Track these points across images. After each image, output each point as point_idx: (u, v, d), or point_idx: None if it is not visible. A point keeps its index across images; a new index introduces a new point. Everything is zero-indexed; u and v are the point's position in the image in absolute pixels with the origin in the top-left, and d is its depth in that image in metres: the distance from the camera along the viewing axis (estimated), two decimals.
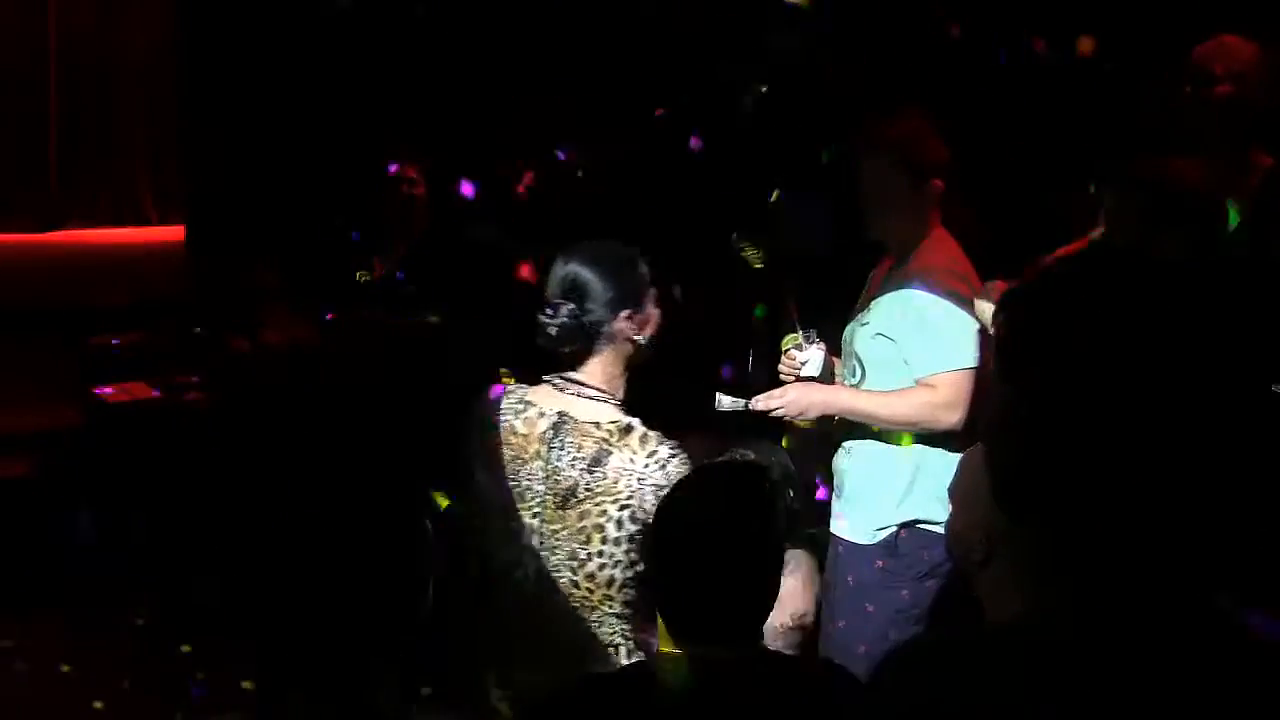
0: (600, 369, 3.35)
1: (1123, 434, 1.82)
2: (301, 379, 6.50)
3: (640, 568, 3.23)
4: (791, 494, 4.60)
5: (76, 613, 6.45)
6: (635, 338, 3.36)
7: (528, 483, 3.30)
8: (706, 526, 2.51)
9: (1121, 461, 1.80)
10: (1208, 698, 1.74)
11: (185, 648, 6.02)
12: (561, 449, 3.27)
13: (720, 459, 4.20)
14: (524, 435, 3.32)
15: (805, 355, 4.44)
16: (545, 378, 3.39)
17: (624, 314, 3.33)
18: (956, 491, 2.34)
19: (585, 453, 3.24)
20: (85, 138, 13.40)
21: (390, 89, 7.83)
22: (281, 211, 8.04)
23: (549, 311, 3.29)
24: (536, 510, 3.29)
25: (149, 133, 13.50)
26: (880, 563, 4.30)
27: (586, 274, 3.31)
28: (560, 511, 3.26)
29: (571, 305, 3.29)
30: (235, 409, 6.89)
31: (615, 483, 3.22)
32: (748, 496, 2.58)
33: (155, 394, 7.43)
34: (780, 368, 4.50)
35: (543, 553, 3.29)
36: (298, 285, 6.97)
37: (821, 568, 4.55)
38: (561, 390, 3.34)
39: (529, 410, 3.34)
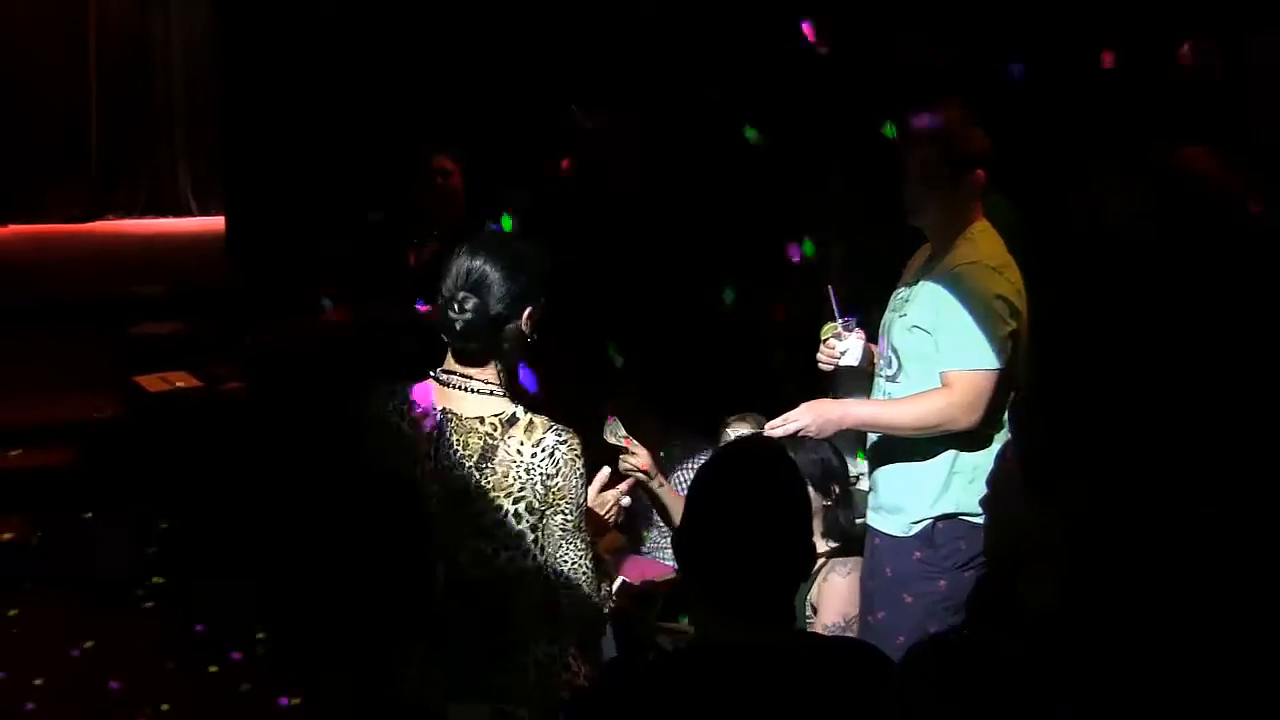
0: (487, 363, 3.27)
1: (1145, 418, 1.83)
2: (333, 368, 6.53)
3: (544, 557, 3.22)
4: (837, 490, 4.63)
5: (113, 599, 6.51)
6: (529, 333, 3.29)
7: (423, 481, 3.22)
8: (737, 499, 2.51)
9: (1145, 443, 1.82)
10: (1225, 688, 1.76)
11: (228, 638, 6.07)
12: (449, 447, 3.20)
13: (746, 439, 4.23)
14: (411, 436, 3.23)
15: (845, 344, 4.43)
16: (430, 374, 3.29)
17: (527, 311, 3.25)
18: (994, 483, 2.33)
19: (472, 449, 3.19)
20: (125, 129, 13.49)
21: (428, 81, 7.85)
22: (319, 203, 8.08)
23: (454, 307, 3.20)
24: (435, 509, 3.22)
25: (188, 124, 13.58)
26: (918, 554, 4.30)
27: (489, 269, 3.21)
28: (457, 512, 3.20)
29: (476, 300, 3.20)
30: (273, 397, 6.93)
31: (505, 476, 3.18)
32: (777, 471, 2.57)
33: (196, 383, 7.48)
34: (819, 356, 4.50)
35: (450, 548, 3.22)
36: (336, 275, 7.00)
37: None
38: (445, 385, 3.26)
39: (415, 409, 3.25)
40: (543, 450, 3.17)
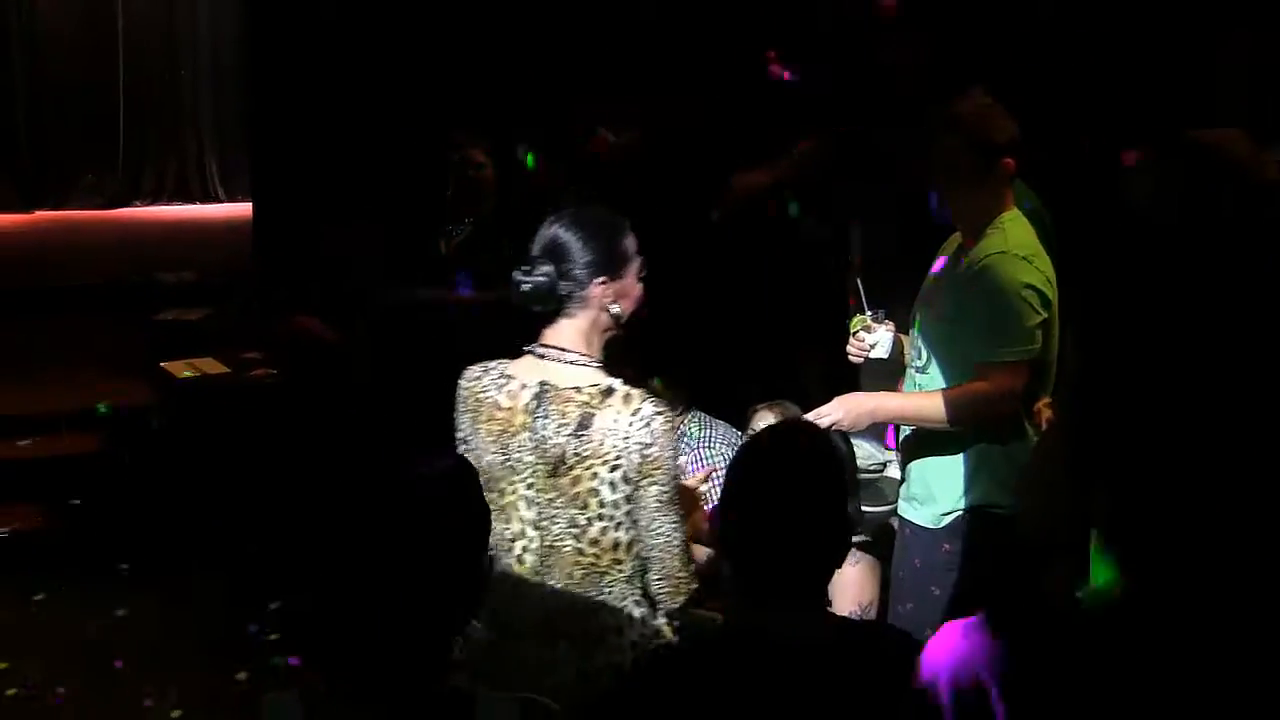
0: (577, 333, 3.34)
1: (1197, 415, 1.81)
2: (365, 356, 6.52)
3: (637, 530, 3.26)
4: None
5: (149, 583, 6.52)
6: (610, 306, 3.35)
7: (518, 455, 3.29)
8: (779, 479, 2.52)
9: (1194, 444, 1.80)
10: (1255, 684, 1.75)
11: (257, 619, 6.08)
12: (546, 418, 3.27)
13: (787, 422, 4.20)
14: (509, 409, 3.31)
15: (874, 337, 4.41)
16: (525, 349, 3.38)
17: (599, 280, 3.32)
18: (1028, 476, 2.33)
19: (570, 419, 3.25)
20: (153, 116, 13.52)
21: (459, 69, 7.83)
22: (347, 189, 8.07)
23: (524, 268, 3.31)
24: (530, 481, 3.29)
25: (215, 110, 13.61)
26: (947, 546, 4.28)
27: (567, 236, 3.31)
28: (552, 480, 3.26)
29: (549, 265, 3.30)
30: (301, 383, 6.93)
31: (601, 444, 3.23)
32: (818, 454, 2.59)
33: (223, 369, 7.48)
34: (849, 349, 4.47)
35: (543, 523, 3.29)
36: (366, 261, 6.99)
37: (888, 551, 4.56)
38: (541, 358, 3.34)
39: (510, 383, 3.33)
40: (640, 420, 3.23)
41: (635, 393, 3.27)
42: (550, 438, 3.25)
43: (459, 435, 3.41)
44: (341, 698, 2.38)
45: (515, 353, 3.40)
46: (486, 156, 6.29)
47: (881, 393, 4.38)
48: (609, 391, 3.27)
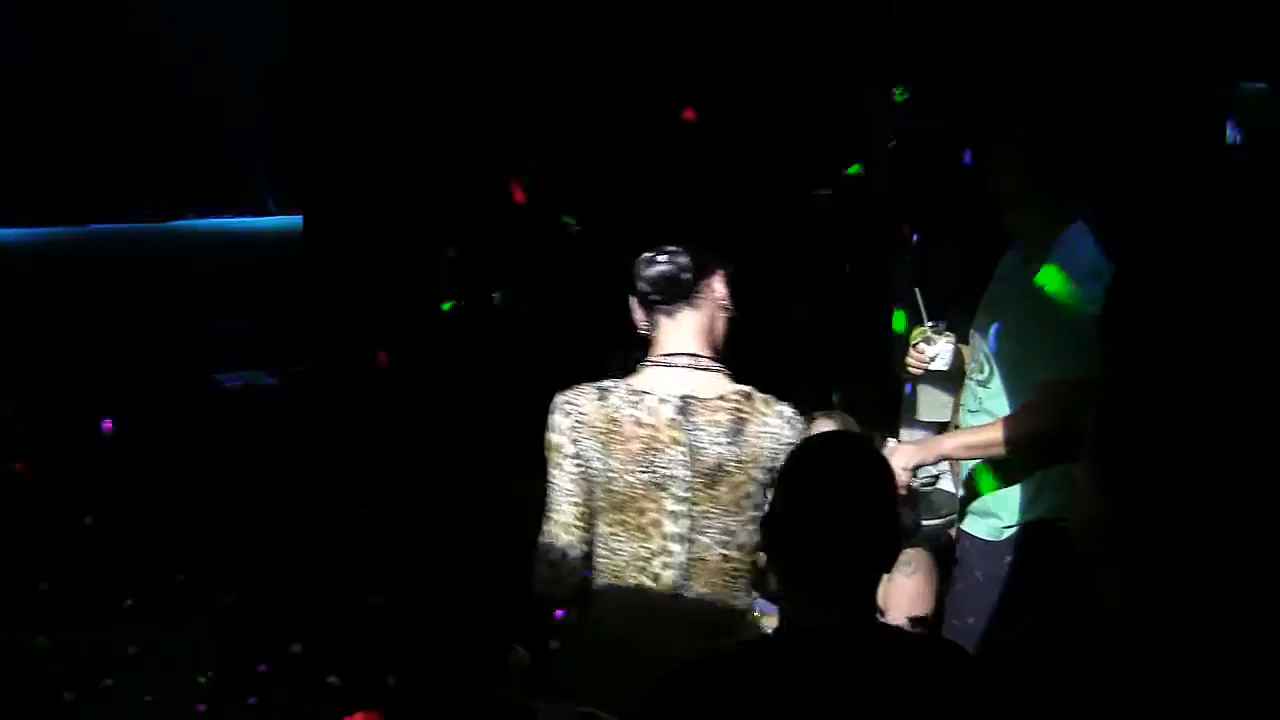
0: (700, 332, 3.33)
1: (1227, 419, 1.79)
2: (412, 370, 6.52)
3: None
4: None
5: (200, 594, 6.52)
6: (725, 305, 3.35)
7: (667, 471, 3.23)
8: (828, 481, 2.53)
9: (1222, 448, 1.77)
10: None
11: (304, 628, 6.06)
12: (699, 429, 3.24)
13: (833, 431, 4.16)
14: (651, 425, 3.25)
15: (935, 349, 4.34)
16: (647, 360, 3.33)
17: (720, 273, 3.34)
18: (1079, 487, 2.33)
19: (723, 426, 3.24)
20: (203, 129, 13.58)
21: (505, 82, 7.82)
22: (398, 201, 8.07)
23: (648, 255, 3.29)
24: (683, 495, 3.24)
25: (267, 123, 13.65)
26: (1009, 559, 4.22)
27: (683, 226, 3.41)
28: (710, 490, 3.24)
29: (675, 251, 3.29)
30: (350, 395, 6.93)
31: (758, 448, 3.25)
32: (866, 457, 2.59)
33: (272, 380, 7.49)
34: (909, 360, 4.41)
35: (692, 536, 3.25)
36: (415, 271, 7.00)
37: (948, 564, 4.50)
38: (669, 367, 3.31)
39: (645, 399, 3.27)
40: (784, 420, 3.28)
41: (769, 396, 3.31)
42: (706, 448, 3.24)
43: (570, 459, 3.29)
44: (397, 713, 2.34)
45: (605, 371, 3.37)
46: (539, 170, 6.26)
47: (936, 437, 4.28)
48: (749, 396, 3.29)
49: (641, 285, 3.30)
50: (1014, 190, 4.15)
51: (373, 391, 6.73)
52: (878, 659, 2.44)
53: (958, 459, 4.33)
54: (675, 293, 3.31)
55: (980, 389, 4.25)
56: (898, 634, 2.66)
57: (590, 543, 3.30)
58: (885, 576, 4.34)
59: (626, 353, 3.51)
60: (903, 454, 4.08)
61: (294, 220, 11.13)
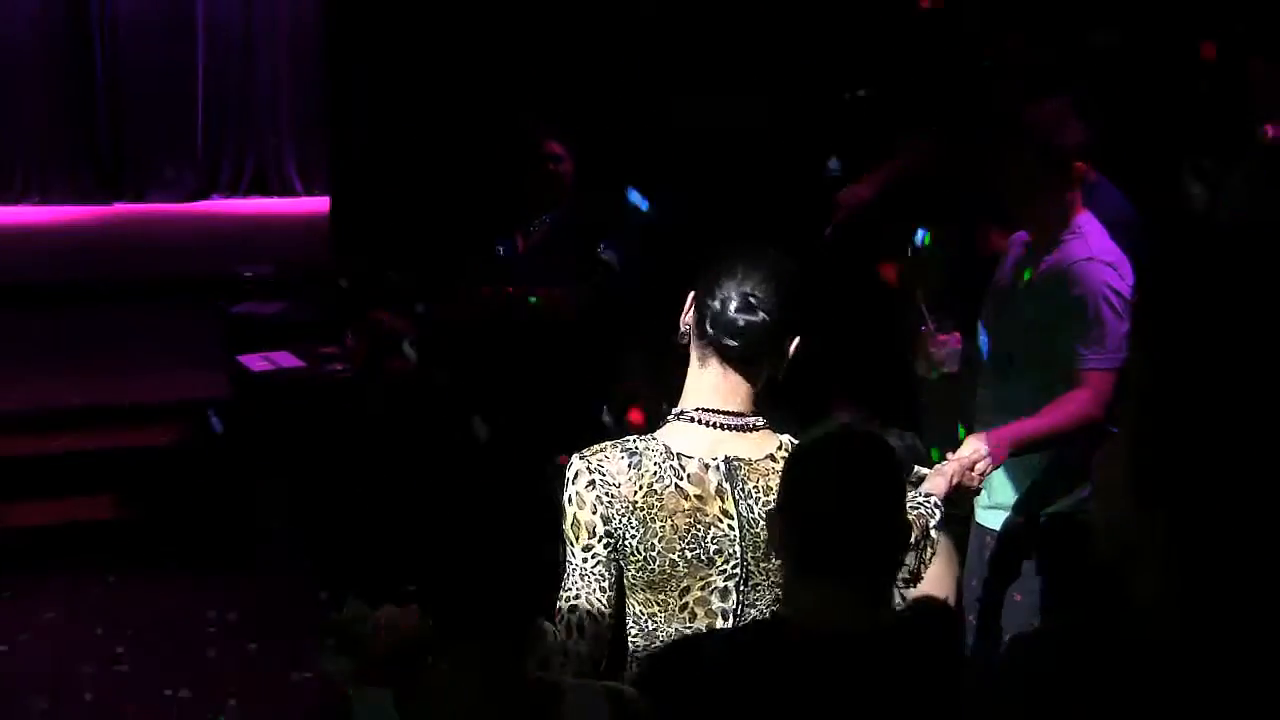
0: (750, 393, 2.94)
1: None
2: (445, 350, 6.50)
3: None
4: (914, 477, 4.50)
5: (216, 580, 6.53)
6: (785, 367, 2.98)
7: (717, 546, 2.86)
8: (834, 475, 2.52)
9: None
10: None
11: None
12: (748, 495, 2.88)
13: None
14: (698, 496, 2.86)
15: (943, 352, 4.34)
16: (678, 414, 2.94)
17: (795, 341, 2.95)
18: (1097, 483, 2.32)
19: (775, 490, 2.79)
20: (231, 109, 13.58)
21: (537, 63, 7.79)
22: (425, 183, 8.05)
23: (739, 304, 2.86)
24: (733, 571, 2.88)
25: (294, 103, 13.64)
26: (1028, 553, 4.21)
27: (780, 276, 2.90)
28: (766, 564, 2.89)
29: (764, 309, 2.86)
30: (379, 380, 6.91)
31: None
32: (873, 452, 2.57)
33: (299, 364, 7.47)
34: (919, 364, 4.41)
35: (742, 610, 2.91)
36: (441, 258, 6.97)
37: (962, 558, 4.47)
38: (713, 426, 2.91)
39: (689, 465, 2.88)
40: None
41: None
42: (760, 519, 2.86)
43: (600, 541, 2.86)
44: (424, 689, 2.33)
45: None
46: (565, 149, 6.22)
47: (1002, 429, 4.16)
48: None
49: (715, 329, 2.89)
50: (1020, 187, 4.14)
51: (400, 378, 6.70)
52: (873, 653, 2.45)
53: (1022, 450, 4.23)
54: (755, 350, 2.90)
55: (998, 385, 4.21)
56: (901, 628, 2.63)
57: (615, 632, 2.90)
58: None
59: (645, 356, 3.36)
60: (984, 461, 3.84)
61: (321, 202, 11.17)
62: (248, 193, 13.66)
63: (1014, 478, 4.24)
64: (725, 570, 2.88)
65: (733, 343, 2.87)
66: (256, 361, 7.39)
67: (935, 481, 3.47)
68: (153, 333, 8.91)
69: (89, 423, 7.56)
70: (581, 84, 7.58)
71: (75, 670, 5.73)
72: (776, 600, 2.89)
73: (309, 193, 13.42)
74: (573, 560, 2.85)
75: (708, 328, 2.89)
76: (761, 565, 2.89)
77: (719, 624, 2.88)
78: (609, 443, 2.93)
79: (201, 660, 5.85)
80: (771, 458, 2.90)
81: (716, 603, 2.89)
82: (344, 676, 2.58)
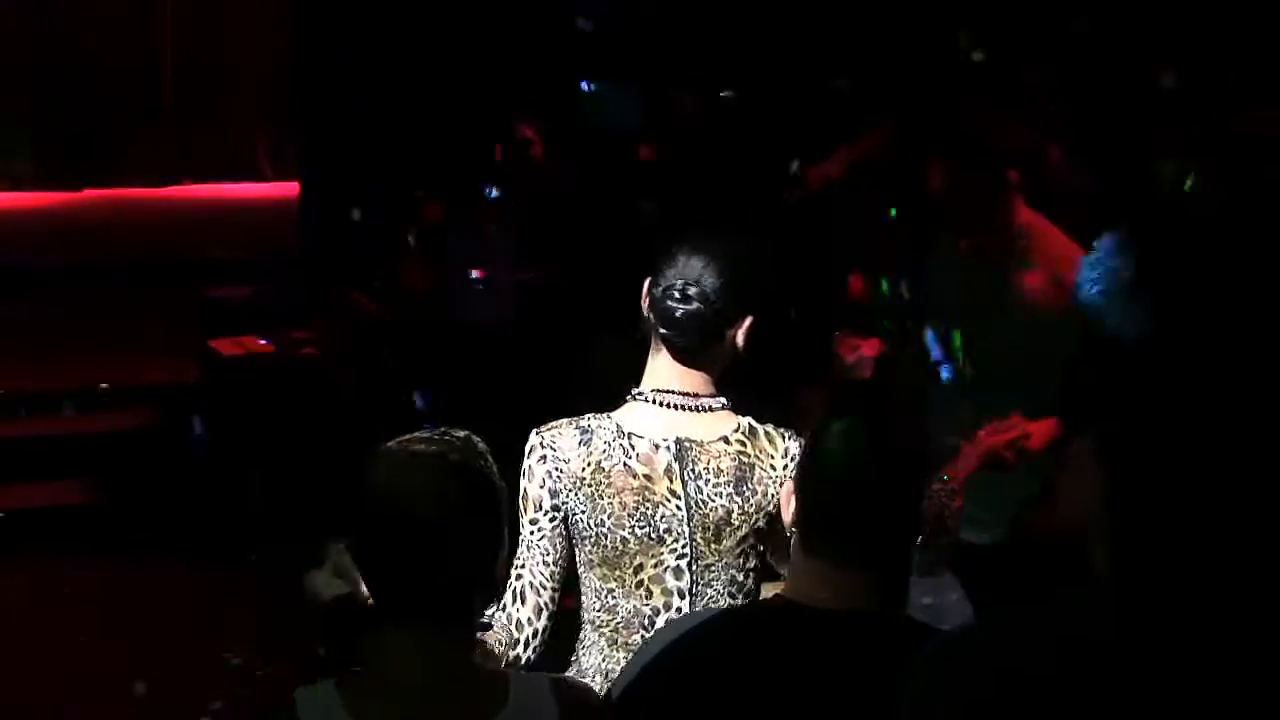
0: (702, 375, 2.96)
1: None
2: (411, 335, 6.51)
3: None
4: None
5: (193, 560, 6.53)
6: (741, 346, 2.98)
7: (666, 525, 2.91)
8: (844, 460, 2.49)
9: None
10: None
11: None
12: (697, 476, 2.93)
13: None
14: (645, 475, 2.92)
15: (852, 357, 4.38)
16: (634, 395, 2.98)
17: (747, 321, 2.97)
18: (1060, 486, 2.33)
19: (726, 476, 2.92)
20: (200, 92, 13.51)
21: (508, 46, 7.79)
22: (396, 167, 8.05)
23: (676, 295, 2.90)
24: (683, 551, 2.93)
25: (264, 87, 13.59)
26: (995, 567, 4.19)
27: (717, 262, 2.92)
28: (716, 545, 2.94)
29: (701, 294, 2.90)
30: (348, 362, 6.92)
31: (764, 495, 2.95)
32: (889, 429, 2.55)
33: (269, 347, 7.47)
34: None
35: (696, 589, 2.94)
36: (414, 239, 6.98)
37: None
38: (661, 406, 2.95)
39: (639, 444, 2.93)
40: (789, 458, 2.94)
41: (771, 429, 3.00)
42: (709, 500, 2.92)
43: (546, 515, 2.94)
44: (368, 684, 2.31)
45: (592, 404, 3.02)
46: (536, 132, 6.23)
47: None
48: (753, 433, 2.97)
49: (656, 317, 2.94)
50: (960, 197, 4.12)
51: (370, 361, 6.72)
52: (867, 636, 2.42)
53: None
54: (693, 340, 2.93)
55: (969, 393, 4.20)
56: (898, 615, 2.64)
57: (555, 608, 2.98)
58: None
59: (618, 339, 3.37)
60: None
61: (291, 186, 11.14)
62: (218, 177, 13.61)
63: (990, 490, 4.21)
64: (675, 549, 2.93)
65: (667, 331, 2.92)
66: (227, 345, 7.40)
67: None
68: (122, 317, 8.87)
69: (58, 407, 7.53)
70: (553, 68, 7.58)
71: (44, 655, 5.71)
72: (732, 581, 2.95)
73: (279, 177, 13.37)
74: (521, 533, 2.91)
75: (651, 316, 2.96)
76: (712, 546, 2.93)
77: (675, 602, 2.92)
78: (566, 419, 2.97)
79: (172, 644, 5.84)
80: (725, 440, 2.93)
81: (671, 581, 2.93)
82: (329, 599, 2.68)
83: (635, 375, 3.04)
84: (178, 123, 13.38)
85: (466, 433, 2.35)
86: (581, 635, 3.03)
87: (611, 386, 3.07)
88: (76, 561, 6.53)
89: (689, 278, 2.91)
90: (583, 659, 3.02)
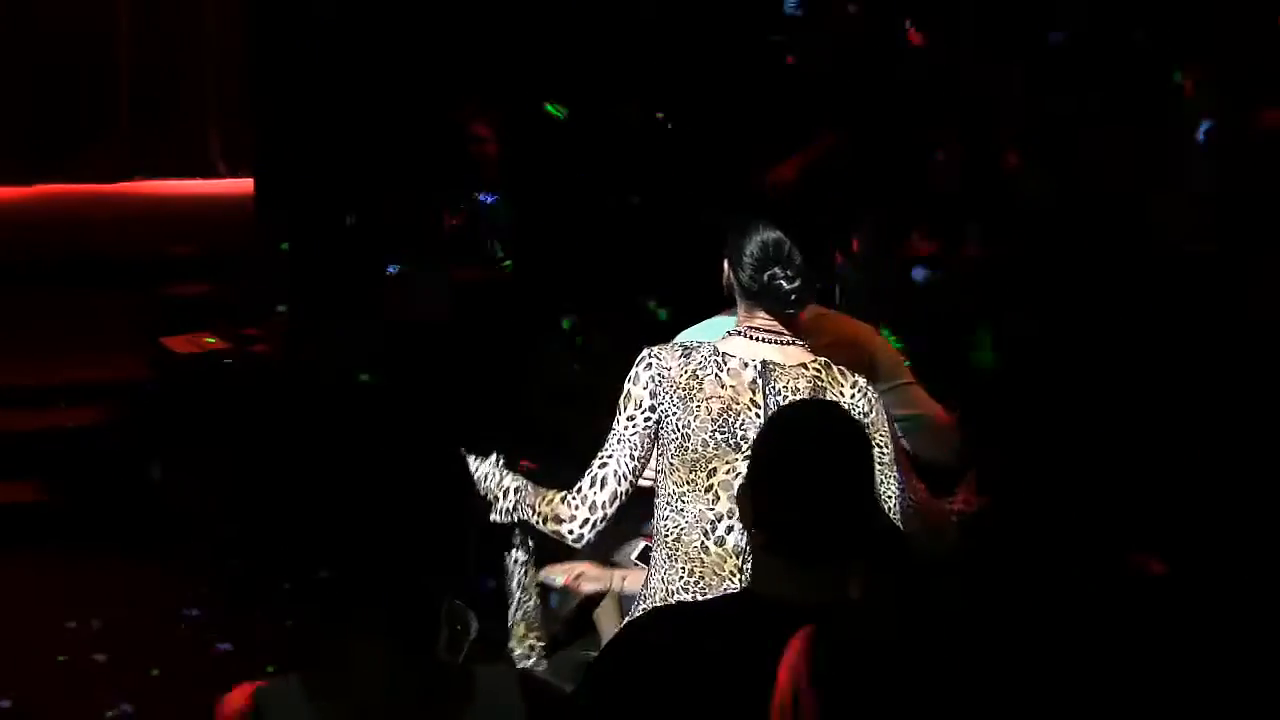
0: (791, 321, 3.42)
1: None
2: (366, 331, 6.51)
3: None
4: None
5: (146, 557, 6.51)
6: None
7: (744, 433, 3.32)
8: (805, 450, 2.57)
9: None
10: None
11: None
12: (777, 393, 3.33)
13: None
14: (733, 387, 3.35)
15: None
16: (732, 331, 3.42)
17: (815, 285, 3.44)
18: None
19: (802, 393, 3.34)
20: (155, 89, 13.44)
21: (462, 43, 7.79)
22: (351, 165, 8.03)
23: (783, 278, 3.33)
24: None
25: (218, 84, 13.54)
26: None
27: (798, 241, 3.36)
28: None
29: (801, 267, 3.34)
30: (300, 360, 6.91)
31: None
32: (843, 428, 2.66)
33: (222, 345, 7.45)
34: None
35: None
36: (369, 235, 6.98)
37: None
38: (751, 339, 3.39)
39: (730, 361, 3.36)
40: (859, 391, 3.38)
41: (842, 367, 3.42)
42: None
43: (643, 414, 3.37)
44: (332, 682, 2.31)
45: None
46: (490, 129, 6.23)
47: None
48: (828, 366, 3.39)
49: (762, 295, 3.37)
50: None
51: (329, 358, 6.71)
52: (840, 629, 2.42)
53: None
54: (801, 306, 3.39)
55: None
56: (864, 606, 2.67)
57: (624, 502, 3.40)
58: None
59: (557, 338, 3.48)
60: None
61: (245, 183, 11.10)
62: (171, 175, 13.54)
63: None
64: (749, 455, 3.15)
65: (778, 306, 3.36)
66: (180, 343, 7.37)
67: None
68: (75, 315, 8.82)
69: (11, 404, 7.49)
70: (510, 67, 7.59)
71: None
72: None
73: (233, 175, 13.31)
74: (615, 428, 3.38)
75: (739, 276, 3.38)
76: None
77: (736, 509, 3.22)
78: (676, 341, 3.50)
79: (128, 640, 5.83)
80: (804, 366, 3.37)
81: (738, 487, 3.15)
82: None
83: (574, 375, 3.25)
84: (131, 120, 13.30)
85: None
86: (651, 558, 3.42)
87: (550, 386, 3.25)
88: (28, 560, 6.50)
89: (789, 261, 3.34)
90: (652, 580, 3.37)
